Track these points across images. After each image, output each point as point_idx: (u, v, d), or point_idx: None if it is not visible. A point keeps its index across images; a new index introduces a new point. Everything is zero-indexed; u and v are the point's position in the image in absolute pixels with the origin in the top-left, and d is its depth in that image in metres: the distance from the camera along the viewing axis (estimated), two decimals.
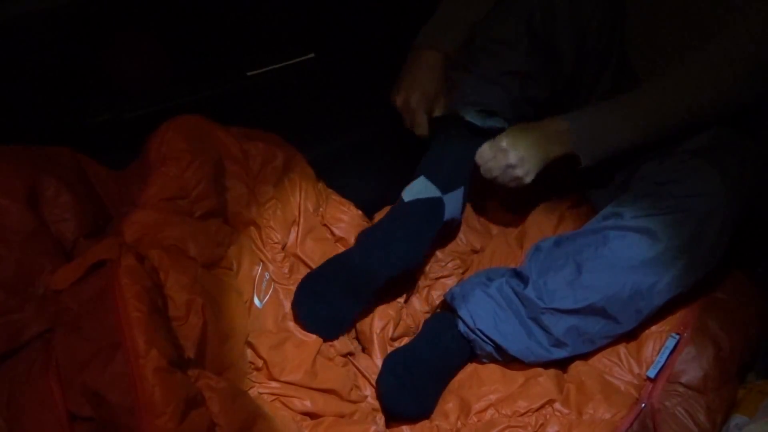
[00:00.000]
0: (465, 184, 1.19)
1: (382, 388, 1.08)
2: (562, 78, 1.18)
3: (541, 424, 1.00)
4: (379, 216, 1.31)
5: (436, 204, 1.16)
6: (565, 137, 1.11)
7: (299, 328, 1.09)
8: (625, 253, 1.02)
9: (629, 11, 1.19)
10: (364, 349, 1.16)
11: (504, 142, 1.11)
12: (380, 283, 1.11)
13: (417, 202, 1.15)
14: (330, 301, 1.10)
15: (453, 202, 1.18)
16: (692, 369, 1.03)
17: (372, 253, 1.11)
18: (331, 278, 1.11)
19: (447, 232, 1.25)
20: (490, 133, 1.15)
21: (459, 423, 1.03)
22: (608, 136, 1.10)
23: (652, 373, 1.04)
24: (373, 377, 1.10)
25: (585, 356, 1.08)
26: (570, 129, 1.11)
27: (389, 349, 1.13)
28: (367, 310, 1.14)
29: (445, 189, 1.16)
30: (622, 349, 1.08)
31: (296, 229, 1.18)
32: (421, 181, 1.17)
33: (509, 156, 1.10)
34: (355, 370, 1.12)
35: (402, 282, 1.18)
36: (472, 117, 1.15)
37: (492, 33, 1.16)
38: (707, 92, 1.05)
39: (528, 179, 1.12)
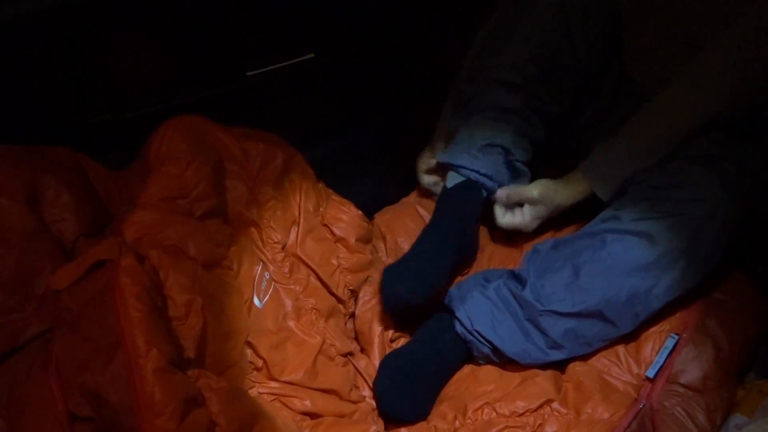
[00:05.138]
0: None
1: (378, 391, 1.07)
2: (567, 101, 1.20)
3: (540, 424, 1.00)
4: (379, 216, 1.31)
5: (471, 184, 1.18)
6: (586, 191, 1.15)
7: (299, 327, 1.09)
8: (622, 257, 1.02)
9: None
10: (362, 350, 1.16)
11: (543, 211, 1.17)
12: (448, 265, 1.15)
13: (455, 187, 1.19)
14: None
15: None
16: (692, 369, 1.02)
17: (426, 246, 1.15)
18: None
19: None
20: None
21: (457, 423, 1.03)
22: (623, 172, 1.11)
23: (651, 373, 1.04)
24: (372, 378, 1.10)
25: (583, 357, 1.08)
26: (591, 184, 1.14)
27: (388, 350, 1.14)
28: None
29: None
30: (621, 348, 1.07)
31: (296, 229, 1.18)
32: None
33: (537, 222, 1.18)
34: (355, 370, 1.12)
35: None
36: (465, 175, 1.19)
37: (493, 70, 1.17)
38: (715, 99, 1.06)
39: None
